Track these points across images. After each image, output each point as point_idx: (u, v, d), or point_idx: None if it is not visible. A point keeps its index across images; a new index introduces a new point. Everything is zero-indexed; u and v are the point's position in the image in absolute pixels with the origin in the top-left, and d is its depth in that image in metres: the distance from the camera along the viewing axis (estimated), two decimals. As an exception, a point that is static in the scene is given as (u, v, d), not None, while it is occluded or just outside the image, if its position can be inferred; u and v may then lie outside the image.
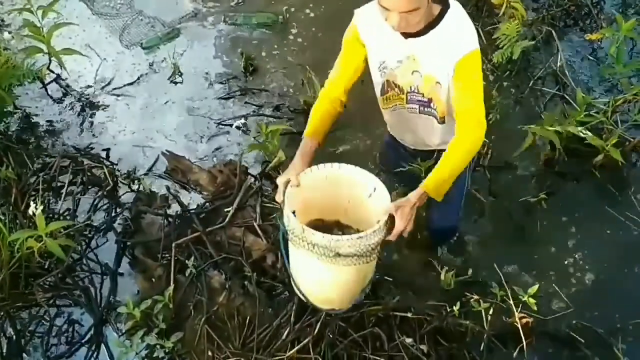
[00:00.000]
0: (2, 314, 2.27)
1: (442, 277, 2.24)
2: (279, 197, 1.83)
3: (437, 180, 1.81)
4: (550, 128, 2.27)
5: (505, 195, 2.54)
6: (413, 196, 1.77)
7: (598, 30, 2.89)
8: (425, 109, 2.00)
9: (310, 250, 1.72)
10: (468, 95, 1.82)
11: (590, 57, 2.94)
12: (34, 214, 1.99)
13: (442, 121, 1.99)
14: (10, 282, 2.28)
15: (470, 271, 2.26)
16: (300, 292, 1.95)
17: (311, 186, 1.85)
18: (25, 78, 2.77)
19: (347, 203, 1.95)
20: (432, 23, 1.79)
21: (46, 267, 2.39)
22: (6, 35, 3.22)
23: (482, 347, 2.07)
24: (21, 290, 2.31)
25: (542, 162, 2.60)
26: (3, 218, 2.25)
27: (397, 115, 2.10)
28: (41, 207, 1.91)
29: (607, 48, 2.88)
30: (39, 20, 2.79)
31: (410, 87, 1.95)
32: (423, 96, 1.95)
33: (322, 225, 1.95)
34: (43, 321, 2.30)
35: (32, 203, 1.97)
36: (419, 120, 2.05)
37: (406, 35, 1.82)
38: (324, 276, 1.84)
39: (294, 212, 1.76)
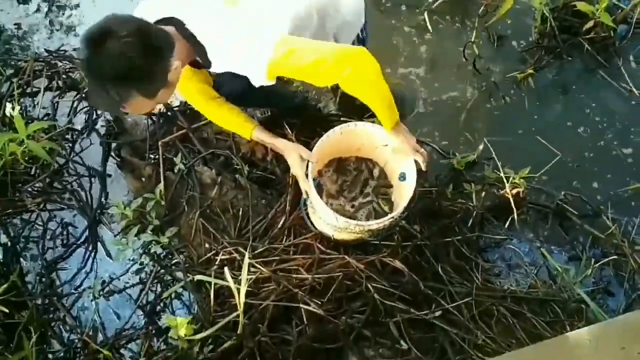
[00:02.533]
0: (-7, 221, 2.27)
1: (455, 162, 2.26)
2: (307, 186, 1.81)
3: (390, 113, 1.71)
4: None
5: (496, 72, 2.49)
6: (403, 133, 1.76)
7: None
8: None
9: (335, 227, 1.84)
10: (312, 73, 1.55)
11: None
12: (11, 116, 1.91)
13: None
14: (-4, 190, 2.26)
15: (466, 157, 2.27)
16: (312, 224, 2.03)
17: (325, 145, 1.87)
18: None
19: (361, 144, 1.97)
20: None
21: (32, 173, 2.36)
22: None
23: (470, 221, 2.11)
24: (9, 197, 2.29)
25: (534, 37, 2.52)
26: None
27: None
28: (18, 108, 1.83)
29: None
30: None
31: None
32: None
33: (341, 160, 2.04)
34: (36, 226, 2.30)
35: (8, 104, 1.88)
36: None
37: None
38: (348, 235, 1.93)
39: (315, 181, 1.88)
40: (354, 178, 2.05)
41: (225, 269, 1.83)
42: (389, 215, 1.76)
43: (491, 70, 2.49)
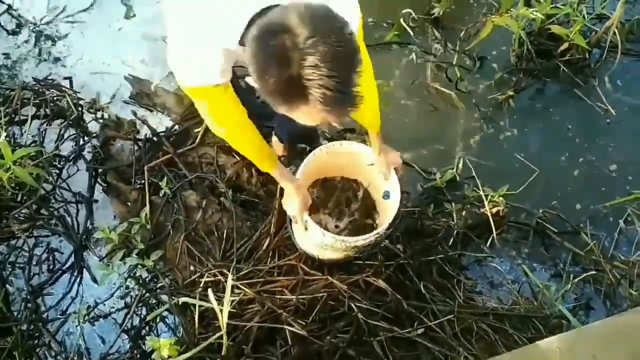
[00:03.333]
0: (-21, 248, 2.27)
1: (437, 177, 2.31)
2: (301, 221, 1.80)
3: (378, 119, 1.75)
4: (507, 15, 2.25)
5: (476, 94, 2.55)
6: (381, 143, 1.81)
7: None
8: None
9: (321, 245, 1.86)
10: None
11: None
12: (3, 140, 1.94)
13: None
14: (-18, 217, 2.27)
15: (446, 173, 2.31)
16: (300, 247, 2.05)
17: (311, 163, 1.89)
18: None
19: (346, 166, 2.02)
20: None
21: (19, 200, 2.38)
22: None
23: (452, 240, 2.14)
24: (-4, 223, 2.31)
25: (512, 60, 2.59)
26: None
27: None
28: (4, 135, 1.86)
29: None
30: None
31: None
32: None
33: (326, 181, 2.10)
34: (22, 252, 2.31)
35: (-6, 130, 1.91)
36: None
37: None
38: (332, 254, 1.97)
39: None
40: (339, 197, 2.08)
41: (209, 290, 1.84)
42: (375, 232, 1.78)
43: (473, 92, 2.55)
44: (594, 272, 2.04)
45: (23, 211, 2.34)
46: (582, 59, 2.56)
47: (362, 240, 1.78)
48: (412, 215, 2.24)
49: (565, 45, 2.42)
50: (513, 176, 2.29)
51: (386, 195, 1.93)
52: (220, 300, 1.85)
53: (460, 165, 2.30)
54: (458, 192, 2.30)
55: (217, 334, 1.80)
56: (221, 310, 1.81)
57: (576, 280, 2.01)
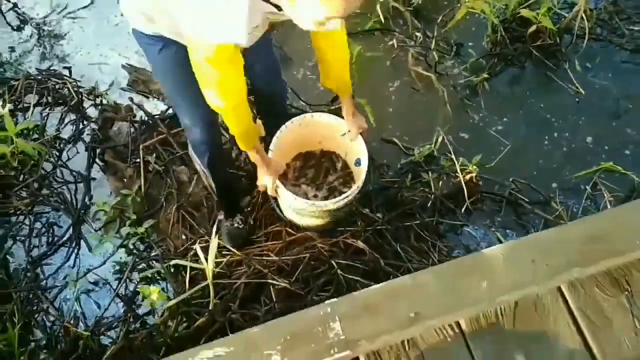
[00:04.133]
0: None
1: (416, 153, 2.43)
2: (274, 193, 1.93)
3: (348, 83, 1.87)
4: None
5: (453, 77, 2.70)
6: (352, 107, 1.94)
7: None
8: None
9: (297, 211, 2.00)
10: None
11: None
12: (6, 112, 2.06)
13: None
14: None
15: (424, 148, 2.44)
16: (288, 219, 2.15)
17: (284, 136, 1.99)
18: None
19: (322, 137, 2.13)
20: None
21: (21, 179, 2.52)
22: None
23: (429, 208, 2.27)
24: (-1, 199, 2.44)
25: (487, 46, 2.75)
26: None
27: None
28: (9, 106, 2.00)
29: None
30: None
31: None
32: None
33: (307, 154, 2.19)
34: (23, 226, 2.44)
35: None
36: None
37: None
38: (312, 221, 2.09)
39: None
40: (318, 168, 2.20)
41: (198, 247, 1.97)
42: (344, 195, 1.91)
43: (451, 75, 2.70)
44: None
45: (24, 188, 2.49)
46: (553, 44, 2.71)
47: (331, 203, 1.90)
48: (391, 186, 2.37)
49: (534, 28, 2.57)
50: (488, 151, 2.42)
51: (357, 163, 2.05)
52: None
53: (439, 141, 2.43)
54: (435, 166, 2.42)
55: (203, 283, 1.92)
56: (208, 266, 1.94)
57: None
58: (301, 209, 1.97)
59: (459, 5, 2.66)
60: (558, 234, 1.28)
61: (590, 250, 1.19)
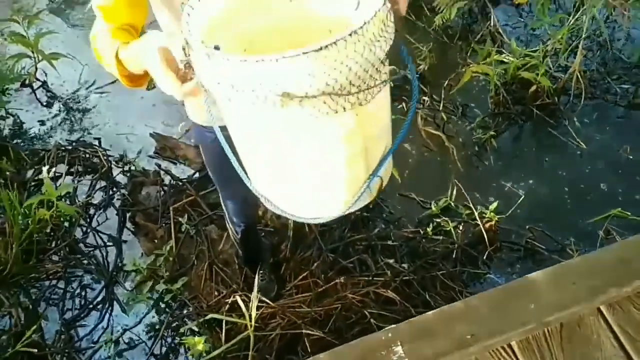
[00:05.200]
0: (17, 287, 2.46)
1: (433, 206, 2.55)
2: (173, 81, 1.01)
3: None
4: (484, 63, 2.65)
5: (461, 135, 2.88)
6: None
7: (523, -4, 3.29)
8: None
9: (246, 100, 0.87)
10: None
11: (521, 19, 3.36)
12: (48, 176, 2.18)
13: None
14: (22, 259, 2.48)
15: (442, 201, 2.57)
16: (264, 197, 1.10)
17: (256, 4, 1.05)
18: (14, 81, 3.01)
19: (329, 33, 1.06)
20: None
21: (53, 245, 2.60)
22: None
23: (451, 254, 2.38)
24: (32, 264, 2.51)
25: (490, 106, 2.96)
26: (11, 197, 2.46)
27: None
28: (53, 170, 2.12)
29: (534, 9, 3.29)
30: (25, 30, 3.05)
31: None
32: None
33: None
34: (56, 289, 2.50)
35: (43, 167, 2.17)
36: None
37: None
38: (287, 158, 0.99)
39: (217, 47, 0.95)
40: None
41: (238, 298, 2.05)
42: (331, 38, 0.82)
43: (459, 133, 2.89)
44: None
45: (57, 253, 2.57)
46: (552, 103, 2.92)
47: (329, 41, 0.81)
48: (413, 237, 2.48)
49: (533, 88, 2.79)
50: (502, 201, 2.56)
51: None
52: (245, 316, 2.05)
53: (454, 193, 2.57)
54: (454, 217, 2.55)
55: (244, 334, 1.98)
56: (250, 316, 2.01)
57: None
58: (266, 84, 0.84)
59: (463, 70, 2.89)
60: (593, 258, 1.39)
61: (623, 272, 1.30)
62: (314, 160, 0.98)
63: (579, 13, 2.89)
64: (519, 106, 2.94)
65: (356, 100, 0.88)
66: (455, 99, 2.99)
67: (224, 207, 2.15)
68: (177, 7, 1.26)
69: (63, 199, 2.69)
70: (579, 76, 2.85)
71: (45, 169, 2.15)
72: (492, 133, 2.83)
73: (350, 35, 0.81)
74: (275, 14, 1.05)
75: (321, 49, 0.79)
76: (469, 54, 3.19)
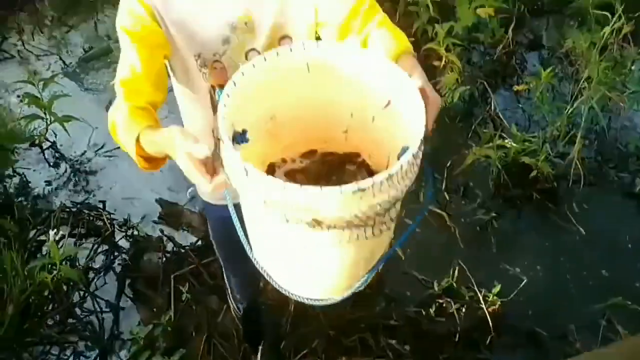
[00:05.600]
0: (9, 351, 2.40)
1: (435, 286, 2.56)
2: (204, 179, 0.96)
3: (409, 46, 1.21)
4: (487, 146, 2.73)
5: (463, 215, 2.92)
6: (416, 70, 1.07)
7: (523, 83, 3.43)
8: None
9: (276, 216, 0.91)
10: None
11: (520, 104, 3.48)
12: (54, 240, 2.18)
13: None
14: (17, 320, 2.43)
15: (444, 281, 2.58)
16: (267, 274, 1.13)
17: (277, 86, 1.06)
18: (25, 141, 3.05)
19: (350, 118, 1.13)
20: None
21: (50, 308, 2.56)
22: (13, 99, 3.56)
23: (456, 338, 2.36)
24: (27, 327, 2.46)
25: (492, 188, 3.02)
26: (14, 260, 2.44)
27: None
28: (60, 234, 2.13)
29: (532, 95, 3.42)
30: (39, 92, 3.12)
31: None
32: None
33: (309, 153, 1.20)
34: (50, 355, 2.44)
35: (50, 231, 2.18)
36: None
37: None
38: (300, 256, 1.04)
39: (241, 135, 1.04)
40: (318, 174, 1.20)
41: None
42: (369, 179, 0.87)
43: (460, 214, 2.93)
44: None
45: (54, 316, 2.53)
46: (552, 188, 2.99)
47: (340, 192, 0.85)
48: (415, 317, 2.46)
49: (534, 173, 2.86)
50: (503, 285, 2.57)
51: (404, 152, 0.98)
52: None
53: (456, 274, 2.58)
54: (456, 298, 2.54)
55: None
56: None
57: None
58: (298, 209, 0.88)
59: (465, 152, 2.97)
60: (600, 355, 1.40)
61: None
62: (322, 260, 1.03)
63: (577, 102, 3.01)
64: (520, 189, 3.00)
65: (379, 231, 0.95)
66: (458, 179, 3.05)
67: (227, 282, 2.15)
68: (199, 86, 1.32)
69: (64, 262, 2.68)
70: (578, 163, 2.94)
71: (52, 232, 2.15)
72: (493, 215, 2.87)
73: (387, 179, 0.87)
74: (300, 88, 1.09)
75: (358, 190, 0.85)
76: (469, 136, 3.29)
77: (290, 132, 1.14)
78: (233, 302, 2.16)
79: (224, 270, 2.08)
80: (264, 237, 1.06)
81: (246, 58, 1.29)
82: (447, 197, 2.94)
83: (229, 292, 2.14)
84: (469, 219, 2.91)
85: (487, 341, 2.39)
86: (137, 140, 1.09)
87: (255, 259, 1.12)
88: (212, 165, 0.96)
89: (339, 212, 0.87)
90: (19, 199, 3.05)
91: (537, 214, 2.94)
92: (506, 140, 2.79)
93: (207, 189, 0.94)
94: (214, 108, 1.12)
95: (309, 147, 1.19)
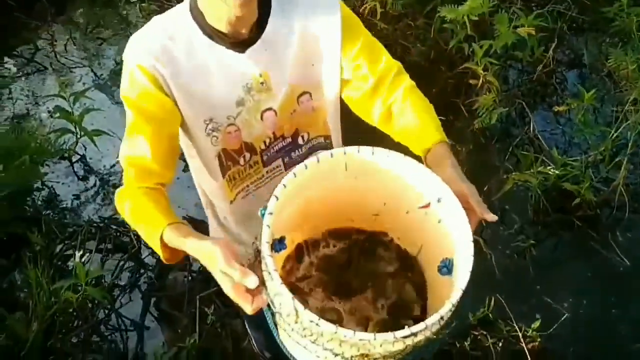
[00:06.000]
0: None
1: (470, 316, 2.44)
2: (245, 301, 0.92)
3: (437, 124, 1.22)
4: (527, 172, 2.61)
5: (500, 242, 2.81)
6: (451, 165, 1.10)
7: (564, 104, 3.30)
8: (294, 154, 1.33)
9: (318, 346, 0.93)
10: (377, 51, 1.25)
11: (560, 125, 3.35)
12: (80, 261, 2.15)
13: (330, 146, 1.37)
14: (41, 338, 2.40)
15: (479, 311, 2.46)
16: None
17: (314, 184, 1.06)
18: (55, 155, 3.04)
19: (382, 206, 1.15)
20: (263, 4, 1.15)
21: (74, 325, 2.52)
22: (44, 112, 3.56)
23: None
24: (50, 344, 2.42)
25: (530, 213, 2.89)
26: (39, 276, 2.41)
27: (251, 202, 1.34)
28: (86, 256, 2.09)
29: (574, 117, 3.29)
30: (70, 105, 3.11)
31: (268, 138, 1.27)
32: (285, 137, 1.29)
33: (337, 232, 1.19)
34: (72, 375, 2.40)
35: (76, 252, 2.14)
36: None
37: (240, 45, 1.15)
38: None
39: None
40: (353, 271, 1.17)
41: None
42: (420, 325, 0.91)
43: (497, 241, 2.81)
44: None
45: (77, 335, 2.48)
46: (594, 215, 2.85)
47: (393, 338, 0.88)
48: (449, 351, 2.35)
49: (577, 201, 2.73)
50: (542, 317, 2.43)
51: (445, 267, 1.10)
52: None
53: (492, 303, 2.46)
54: (492, 332, 2.42)
55: None
56: None
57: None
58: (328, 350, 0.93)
59: (503, 176, 2.85)
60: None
61: None
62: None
63: (622, 127, 2.87)
64: (560, 215, 2.88)
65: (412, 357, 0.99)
66: (494, 203, 2.94)
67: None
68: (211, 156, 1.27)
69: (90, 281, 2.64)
70: (622, 190, 2.80)
71: (78, 254, 2.11)
72: (532, 242, 2.75)
73: (439, 320, 0.93)
74: (335, 181, 1.09)
75: (411, 334, 0.89)
76: (507, 158, 3.17)
77: (319, 213, 1.14)
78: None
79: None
80: (295, 345, 1.01)
81: (261, 118, 1.25)
82: (484, 223, 2.82)
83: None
84: (506, 245, 2.79)
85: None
86: (162, 239, 1.07)
87: (281, 342, 1.06)
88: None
89: (386, 350, 0.91)
90: (47, 211, 3.04)
91: (578, 243, 2.81)
92: (548, 167, 2.66)
93: (247, 311, 0.90)
94: (223, 173, 1.28)
95: (335, 224, 1.19)
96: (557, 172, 2.67)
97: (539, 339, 2.27)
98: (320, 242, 1.16)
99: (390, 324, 1.09)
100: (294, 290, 1.07)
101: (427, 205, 1.07)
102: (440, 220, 1.06)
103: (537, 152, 3.09)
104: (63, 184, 3.21)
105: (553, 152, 2.88)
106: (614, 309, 2.54)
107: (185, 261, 2.74)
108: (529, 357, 2.25)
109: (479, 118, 3.08)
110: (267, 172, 1.34)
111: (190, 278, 2.64)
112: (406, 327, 0.89)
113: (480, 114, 3.08)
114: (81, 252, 2.10)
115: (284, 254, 1.10)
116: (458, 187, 1.05)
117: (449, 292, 1.01)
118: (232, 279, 0.90)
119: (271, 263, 0.89)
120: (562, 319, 2.41)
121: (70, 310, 2.47)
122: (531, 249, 2.75)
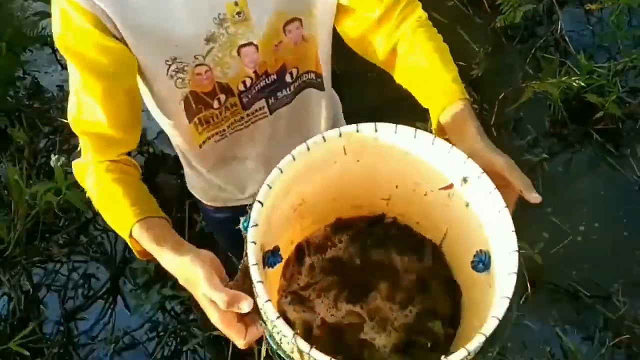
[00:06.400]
0: (18, 268, 2.32)
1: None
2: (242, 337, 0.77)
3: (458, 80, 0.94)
4: (549, 81, 2.37)
5: (510, 154, 2.62)
6: (476, 131, 0.87)
7: (597, 1, 2.95)
8: (280, 93, 1.10)
9: None
10: None
11: (590, 26, 3.03)
12: (52, 167, 2.03)
13: (322, 85, 1.14)
14: (25, 238, 2.33)
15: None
16: None
17: (306, 176, 0.84)
18: (35, 42, 2.81)
19: (394, 189, 0.92)
20: None
21: (60, 225, 2.45)
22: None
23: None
24: (37, 245, 2.36)
25: (547, 126, 2.68)
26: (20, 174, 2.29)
27: (226, 146, 1.15)
28: (62, 159, 1.95)
29: (606, 18, 2.96)
30: (49, -15, 2.82)
31: (248, 77, 1.03)
32: (269, 74, 1.05)
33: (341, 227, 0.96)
34: (59, 275, 2.36)
35: (52, 155, 2.00)
36: (277, 125, 1.15)
37: None
38: None
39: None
40: (370, 271, 0.94)
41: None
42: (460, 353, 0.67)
43: (508, 152, 2.62)
44: (627, 337, 2.04)
45: (64, 236, 2.42)
46: (615, 129, 2.63)
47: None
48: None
49: (600, 114, 2.51)
50: (547, 236, 2.32)
51: (481, 262, 0.83)
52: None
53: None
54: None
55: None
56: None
57: (611, 344, 2.01)
58: None
59: (522, 83, 2.60)
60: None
61: None
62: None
63: (660, 31, 2.57)
64: (578, 126, 2.66)
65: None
66: (509, 112, 2.72)
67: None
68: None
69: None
70: (651, 102, 2.56)
71: (54, 157, 1.96)
72: (545, 156, 2.56)
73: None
74: (334, 169, 0.86)
75: None
76: (527, 61, 2.89)
77: (319, 207, 0.92)
78: None
79: None
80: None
81: (238, 54, 0.99)
82: (495, 133, 2.62)
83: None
84: (517, 157, 2.58)
85: (522, 299, 2.18)
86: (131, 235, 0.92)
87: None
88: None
89: None
90: (30, 101, 2.86)
91: (594, 159, 2.62)
92: (572, 77, 2.40)
93: (239, 346, 0.75)
94: (190, 118, 1.05)
95: (338, 215, 0.96)
96: (581, 83, 2.41)
97: (540, 261, 2.17)
98: (323, 239, 0.95)
99: (415, 327, 0.88)
100: (299, 300, 0.88)
101: (450, 186, 0.84)
102: (468, 204, 0.83)
103: (562, 56, 2.81)
104: (46, 73, 3.01)
105: (581, 59, 2.61)
106: (622, 227, 2.41)
107: (175, 163, 2.61)
108: (525, 274, 2.15)
109: (502, 15, 2.76)
110: (247, 115, 1.11)
111: (180, 181, 2.51)
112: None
113: (503, 11, 2.76)
114: (57, 156, 1.94)
115: (280, 266, 0.88)
116: (487, 160, 0.82)
117: (489, 296, 0.78)
118: (223, 315, 0.74)
119: (263, 293, 0.69)
120: (568, 239, 2.30)
121: (56, 210, 2.39)
122: (543, 163, 2.57)
